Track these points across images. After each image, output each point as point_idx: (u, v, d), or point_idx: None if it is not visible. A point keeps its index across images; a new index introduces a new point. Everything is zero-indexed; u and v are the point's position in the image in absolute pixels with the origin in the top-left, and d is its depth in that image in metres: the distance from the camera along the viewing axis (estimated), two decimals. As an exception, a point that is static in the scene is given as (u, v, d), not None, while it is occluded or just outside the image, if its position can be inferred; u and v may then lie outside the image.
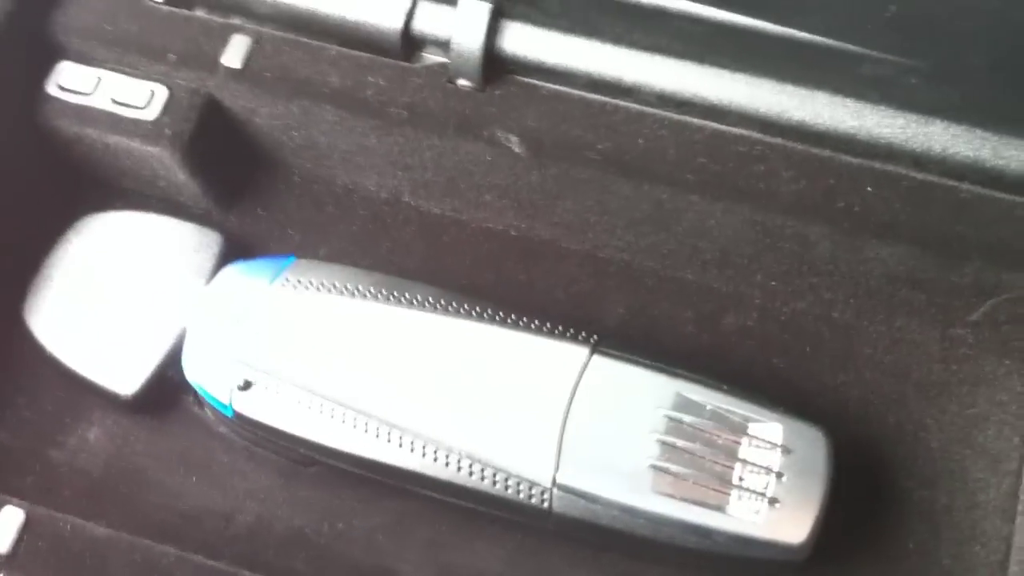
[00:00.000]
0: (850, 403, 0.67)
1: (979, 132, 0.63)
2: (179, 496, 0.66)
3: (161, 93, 0.70)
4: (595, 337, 0.62)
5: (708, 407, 0.60)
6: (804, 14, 0.60)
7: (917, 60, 0.60)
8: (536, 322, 0.63)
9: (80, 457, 0.67)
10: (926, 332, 0.68)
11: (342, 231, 0.73)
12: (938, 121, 0.63)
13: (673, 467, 0.59)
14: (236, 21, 0.72)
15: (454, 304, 0.63)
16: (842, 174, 0.65)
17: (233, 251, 0.70)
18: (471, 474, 0.60)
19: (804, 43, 0.62)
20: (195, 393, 0.65)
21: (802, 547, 0.58)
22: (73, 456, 0.67)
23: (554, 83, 0.69)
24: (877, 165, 0.65)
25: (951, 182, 0.64)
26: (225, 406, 0.63)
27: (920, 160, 0.64)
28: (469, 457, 0.60)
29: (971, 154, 0.63)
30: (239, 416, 0.63)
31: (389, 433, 0.61)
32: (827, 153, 0.66)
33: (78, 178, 0.73)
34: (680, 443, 0.59)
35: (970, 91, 0.61)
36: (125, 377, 0.66)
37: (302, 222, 0.73)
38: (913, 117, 0.64)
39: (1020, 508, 0.62)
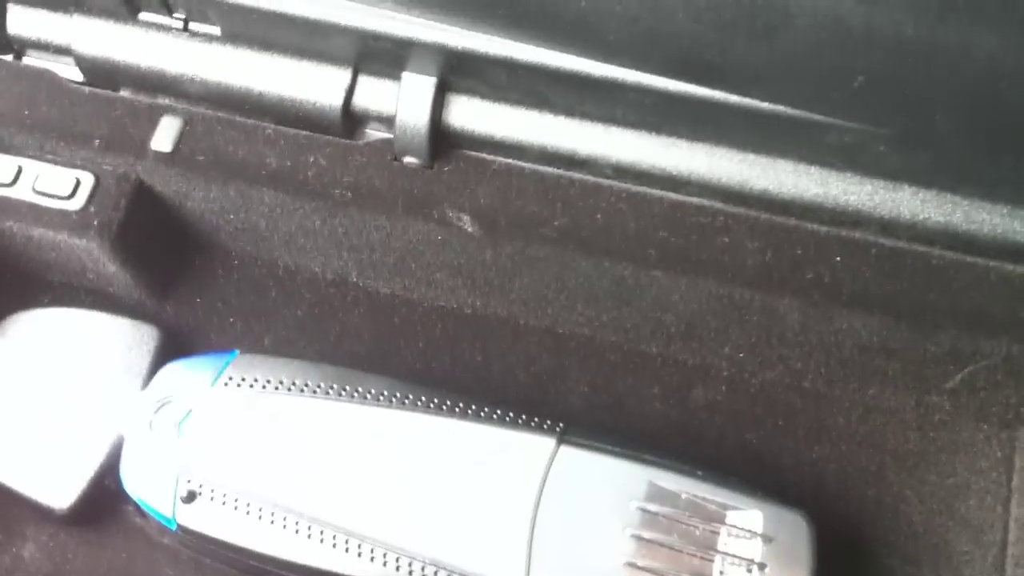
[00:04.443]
0: (827, 477, 0.65)
1: (949, 196, 0.62)
2: (124, 616, 0.63)
3: (87, 181, 0.67)
4: (560, 425, 0.60)
5: (683, 496, 0.58)
6: (765, 86, 0.59)
7: (884, 127, 0.59)
8: (498, 412, 0.61)
9: (15, 578, 0.64)
10: (901, 400, 0.66)
11: (287, 316, 0.70)
12: (906, 186, 0.62)
13: (649, 564, 0.57)
14: (165, 102, 0.70)
15: (410, 397, 0.61)
16: (809, 244, 0.65)
17: (170, 344, 0.67)
18: (437, 582, 0.58)
19: (765, 112, 0.60)
20: (136, 504, 0.62)
21: (789, 643, 0.56)
22: (7, 577, 0.64)
23: (505, 157, 0.67)
24: (845, 233, 0.64)
25: (922, 248, 0.64)
26: (168, 519, 0.60)
27: (889, 227, 0.64)
28: (435, 564, 0.57)
29: (942, 219, 0.62)
30: (183, 529, 0.60)
31: (347, 542, 0.58)
32: (792, 222, 0.65)
33: (0, 273, 0.69)
34: (655, 537, 0.57)
35: (939, 155, 0.60)
36: (59, 489, 0.63)
37: (243, 309, 0.70)
38: (880, 183, 0.63)
39: (1008, 582, 0.61)
